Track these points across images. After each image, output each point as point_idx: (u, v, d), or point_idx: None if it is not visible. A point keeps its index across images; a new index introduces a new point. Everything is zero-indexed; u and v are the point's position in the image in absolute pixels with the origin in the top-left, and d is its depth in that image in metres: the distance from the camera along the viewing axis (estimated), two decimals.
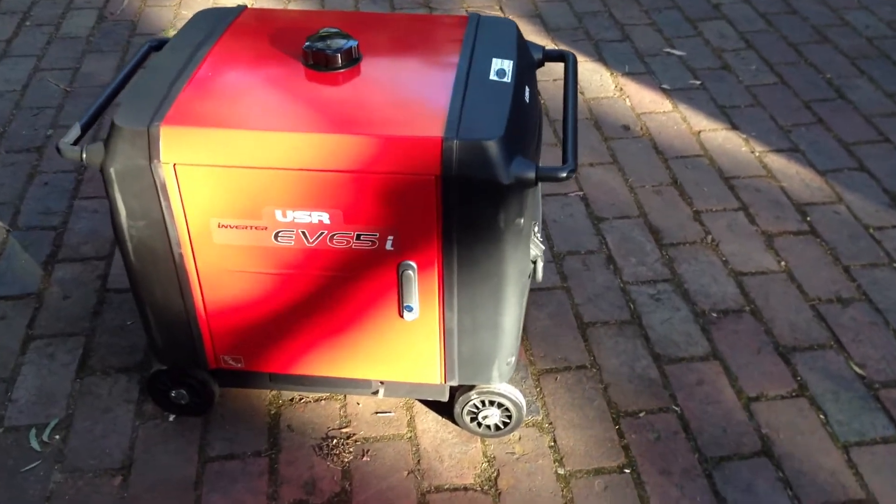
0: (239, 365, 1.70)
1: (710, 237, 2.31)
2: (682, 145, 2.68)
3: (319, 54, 1.54)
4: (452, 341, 1.61)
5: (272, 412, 1.83)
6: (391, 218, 1.46)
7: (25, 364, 1.94)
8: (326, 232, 1.49)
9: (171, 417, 1.82)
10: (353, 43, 1.56)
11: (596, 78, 3.03)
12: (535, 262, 1.64)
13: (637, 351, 1.97)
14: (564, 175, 1.42)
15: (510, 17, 3.42)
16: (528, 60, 1.71)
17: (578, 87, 2.71)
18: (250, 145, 1.42)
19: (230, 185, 1.45)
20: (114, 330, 2.02)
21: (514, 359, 1.67)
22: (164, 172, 1.44)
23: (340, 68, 1.55)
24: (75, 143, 1.51)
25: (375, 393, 1.75)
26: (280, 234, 1.50)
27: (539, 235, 1.65)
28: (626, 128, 2.77)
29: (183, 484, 1.69)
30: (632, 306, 2.09)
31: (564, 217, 2.38)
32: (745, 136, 2.72)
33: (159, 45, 1.78)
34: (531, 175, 1.41)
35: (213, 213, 1.49)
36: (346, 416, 1.82)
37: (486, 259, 1.49)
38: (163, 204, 1.48)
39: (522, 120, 1.51)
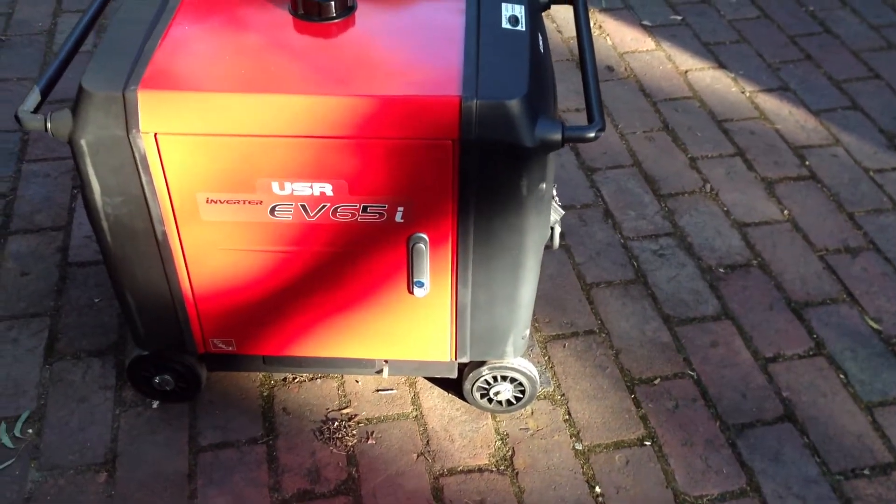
0: (230, 348, 1.56)
1: (709, 186, 2.21)
2: (670, 87, 2.56)
3: (310, 2, 1.36)
4: (465, 317, 1.48)
5: (264, 394, 1.70)
6: (402, 187, 1.32)
7: None
8: (329, 205, 1.34)
9: (155, 404, 1.67)
10: None
11: (571, 16, 2.87)
12: (552, 228, 1.52)
13: (646, 312, 1.87)
14: (593, 135, 1.29)
15: None
16: (535, 3, 1.55)
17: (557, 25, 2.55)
18: (242, 110, 1.25)
19: (220, 156, 1.29)
20: (81, 309, 1.85)
21: (528, 331, 1.56)
22: (144, 143, 1.27)
23: (334, 18, 1.38)
24: (36, 110, 1.31)
25: (379, 372, 1.62)
26: (277, 209, 1.35)
27: (557, 198, 1.52)
28: (610, 69, 2.63)
29: (175, 478, 1.56)
30: (635, 264, 1.99)
31: (556, 167, 2.25)
32: (733, 74, 2.61)
33: None
34: (557, 136, 1.28)
35: (201, 188, 1.32)
36: (345, 396, 1.70)
37: (506, 230, 1.36)
38: (143, 178, 1.30)
39: (541, 74, 1.37)
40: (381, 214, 1.35)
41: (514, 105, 1.25)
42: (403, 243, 1.38)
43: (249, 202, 1.34)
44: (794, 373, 1.76)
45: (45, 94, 1.34)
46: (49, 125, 1.28)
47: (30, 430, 1.62)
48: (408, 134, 1.26)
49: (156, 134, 1.26)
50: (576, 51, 2.70)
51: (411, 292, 1.44)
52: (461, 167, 1.29)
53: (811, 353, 1.80)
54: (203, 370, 1.63)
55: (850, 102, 2.50)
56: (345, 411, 1.67)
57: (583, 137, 1.29)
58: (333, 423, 1.65)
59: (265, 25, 1.38)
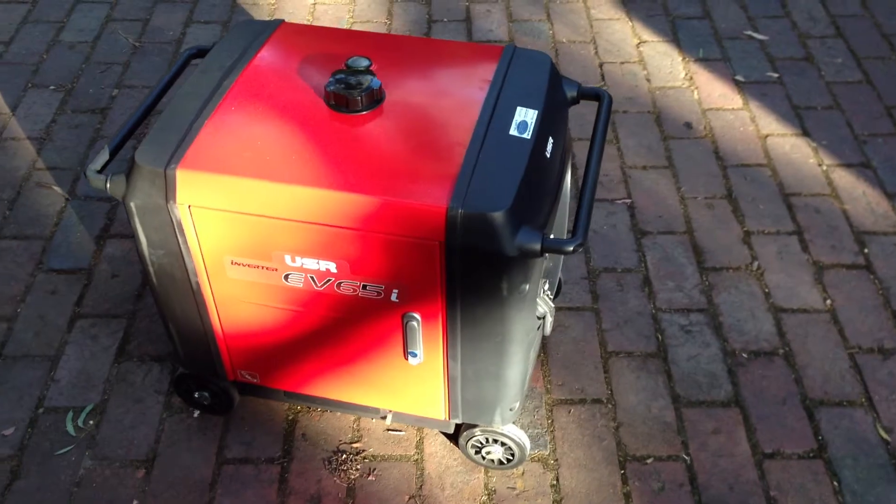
0: (255, 380, 1.77)
1: (757, 264, 2.23)
2: (746, 151, 2.56)
3: (341, 97, 1.52)
4: (456, 386, 1.63)
5: (289, 417, 1.90)
6: (396, 274, 1.47)
7: (70, 343, 2.05)
8: (333, 279, 1.51)
9: (196, 414, 1.91)
10: (375, 85, 1.54)
11: (666, 63, 2.90)
12: (542, 318, 1.63)
13: (657, 389, 1.95)
14: (571, 249, 1.40)
15: None
16: (559, 100, 1.65)
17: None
18: (261, 195, 1.43)
19: (242, 229, 1.48)
20: (153, 316, 2.11)
21: (518, 404, 1.68)
22: (180, 212, 1.48)
23: (361, 111, 1.54)
24: (103, 168, 1.55)
25: (384, 418, 1.79)
26: (290, 276, 1.53)
27: (549, 293, 1.62)
28: (689, 125, 2.66)
29: (200, 485, 1.79)
30: (660, 337, 2.06)
31: (607, 228, 2.33)
32: (815, 144, 2.58)
33: (199, 53, 1.79)
34: (536, 247, 1.39)
35: (227, 252, 1.52)
36: (358, 431, 1.88)
37: (490, 321, 1.49)
38: (179, 239, 1.52)
39: (537, 181, 1.48)
40: (378, 293, 1.51)
41: (496, 217, 1.37)
42: (399, 318, 1.54)
43: (266, 268, 1.53)
44: (787, 472, 1.80)
45: (113, 154, 1.58)
46: (108, 186, 1.51)
47: (91, 422, 1.90)
48: (400, 232, 1.41)
49: (189, 206, 1.47)
50: (659, 104, 2.74)
51: (406, 359, 1.60)
52: (447, 265, 1.42)
53: (811, 454, 1.83)
54: (235, 393, 1.85)
55: None
56: (354, 445, 1.85)
57: (561, 250, 1.40)
58: (342, 455, 1.83)
59: (300, 113, 1.55)
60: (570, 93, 1.70)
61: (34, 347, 2.04)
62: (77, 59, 2.90)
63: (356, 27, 3.07)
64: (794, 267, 2.22)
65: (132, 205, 1.50)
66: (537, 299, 1.57)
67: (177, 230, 1.50)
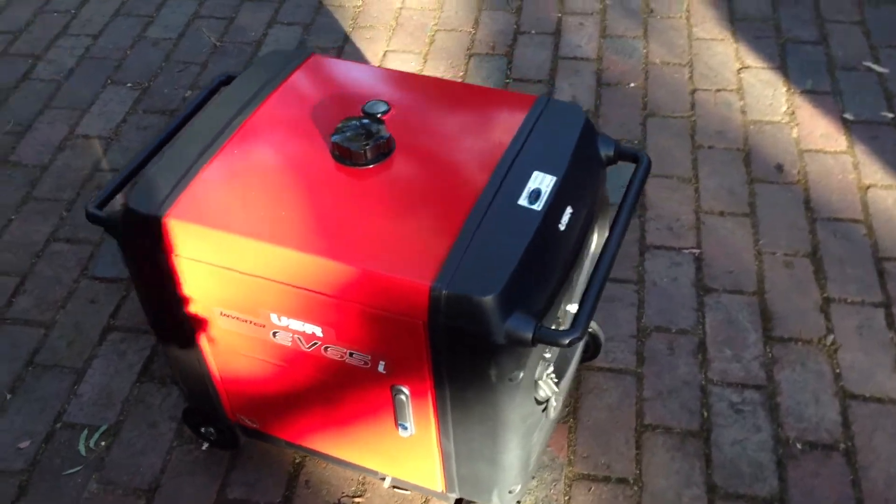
0: (255, 426, 1.70)
1: (832, 338, 1.99)
2: (841, 203, 2.30)
3: (345, 149, 1.42)
4: (451, 462, 1.51)
5: (296, 461, 1.83)
6: (381, 346, 1.36)
7: (98, 357, 2.05)
8: (320, 343, 1.41)
9: (205, 446, 1.87)
10: (383, 137, 1.42)
11: (767, 93, 2.64)
12: (546, 402, 1.48)
13: (692, 475, 1.77)
14: (566, 342, 1.25)
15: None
16: (590, 161, 1.49)
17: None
18: (248, 253, 1.35)
19: (229, 284, 1.40)
20: None
21: (519, 487, 1.55)
22: (170, 261, 1.41)
23: (366, 165, 1.43)
24: (103, 205, 1.50)
25: (383, 479, 1.70)
26: (277, 334, 1.44)
27: (554, 376, 1.47)
28: (780, 168, 2.41)
29: None
30: (705, 413, 1.87)
31: (667, 281, 2.14)
32: None
33: (228, 80, 1.72)
34: (527, 336, 1.25)
35: (215, 304, 1.45)
36: (363, 485, 1.79)
37: (480, 405, 1.36)
38: (171, 286, 1.46)
39: (541, 259, 1.33)
40: (365, 363, 1.40)
41: (484, 301, 1.24)
42: (388, 389, 1.43)
43: (255, 323, 1.45)
44: None
45: (115, 192, 1.53)
46: (105, 227, 1.46)
47: (103, 443, 1.89)
48: (382, 306, 1.29)
49: (178, 255, 1.40)
50: (752, 141, 2.49)
51: (398, 430, 1.49)
52: (432, 345, 1.30)
53: None
54: (239, 432, 1.80)
55: None
56: (357, 500, 1.76)
57: (555, 342, 1.25)
58: None
59: (303, 162, 1.45)
60: (607, 152, 1.53)
61: (65, 358, 2.05)
62: (158, 57, 2.91)
63: (440, 35, 2.95)
64: (874, 346, 1.97)
65: (126, 246, 1.44)
66: (539, 382, 1.42)
67: (167, 277, 1.44)
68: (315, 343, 1.42)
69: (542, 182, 1.38)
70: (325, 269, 1.31)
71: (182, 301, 1.47)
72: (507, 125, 1.49)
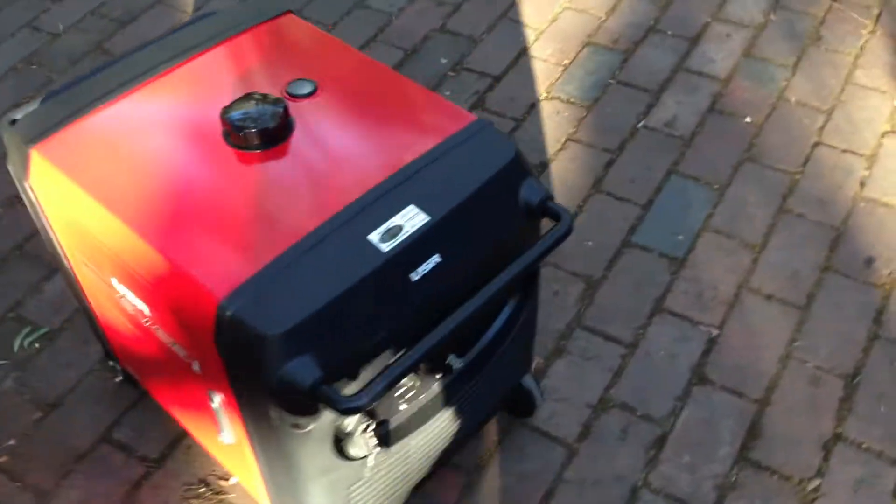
0: (136, 378, 1.65)
1: (816, 483, 1.64)
2: None
3: (229, 129, 1.27)
4: (269, 486, 1.37)
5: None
6: (188, 345, 1.23)
7: None
8: (149, 322, 1.31)
9: (119, 378, 1.82)
10: (269, 124, 1.26)
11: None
12: (364, 458, 1.29)
13: None
14: (341, 409, 1.07)
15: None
16: (499, 208, 1.26)
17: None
18: (90, 212, 1.26)
19: (79, 237, 1.33)
20: None
21: None
22: (33, 195, 1.35)
23: (247, 149, 1.28)
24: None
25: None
26: (122, 300, 1.35)
27: (372, 431, 1.26)
28: (869, 263, 1.99)
29: (71, 452, 1.72)
30: None
31: (663, 356, 1.83)
32: None
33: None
34: (304, 385, 1.08)
35: (76, 249, 1.38)
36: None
37: (274, 441, 1.21)
38: (42, 219, 1.40)
39: (365, 307, 1.13)
40: (185, 356, 1.28)
41: (266, 336, 1.07)
42: (206, 391, 1.31)
43: (105, 283, 1.36)
44: None
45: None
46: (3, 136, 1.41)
47: (36, 345, 1.90)
48: (181, 305, 1.17)
49: (37, 194, 1.34)
50: (853, 221, 2.08)
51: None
52: (225, 364, 1.16)
53: None
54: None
55: None
56: (221, 482, 1.67)
57: (333, 404, 1.08)
58: (201, 488, 1.66)
59: (189, 132, 1.32)
60: (530, 200, 1.28)
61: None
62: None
63: (566, 15, 2.67)
64: None
65: (10, 167, 1.40)
66: (355, 436, 1.24)
67: (34, 210, 1.39)
68: (146, 320, 1.32)
69: (410, 219, 1.18)
70: (140, 249, 1.19)
71: (54, 237, 1.42)
72: (422, 141, 1.28)
